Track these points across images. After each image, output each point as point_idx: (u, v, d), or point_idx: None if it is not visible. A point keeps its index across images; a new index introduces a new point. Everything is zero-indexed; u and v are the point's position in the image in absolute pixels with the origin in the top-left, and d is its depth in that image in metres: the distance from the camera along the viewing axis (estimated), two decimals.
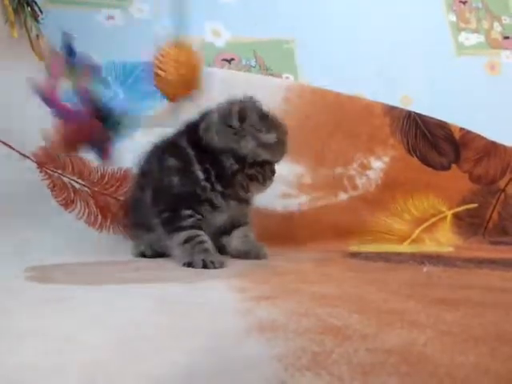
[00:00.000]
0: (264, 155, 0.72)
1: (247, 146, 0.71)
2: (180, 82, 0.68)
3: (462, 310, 0.33)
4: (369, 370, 0.21)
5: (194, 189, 0.72)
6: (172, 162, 0.74)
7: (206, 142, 0.72)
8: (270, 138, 0.72)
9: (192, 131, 0.75)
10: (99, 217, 0.94)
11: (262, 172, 0.73)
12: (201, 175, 0.72)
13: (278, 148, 0.74)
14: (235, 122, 0.70)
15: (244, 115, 0.70)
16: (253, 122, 0.71)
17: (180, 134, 0.77)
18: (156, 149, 0.81)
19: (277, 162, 0.76)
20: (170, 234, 0.70)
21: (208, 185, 0.73)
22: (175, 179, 0.72)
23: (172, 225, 0.71)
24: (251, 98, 0.74)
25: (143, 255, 0.81)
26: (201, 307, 0.35)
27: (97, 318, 0.32)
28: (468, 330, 0.28)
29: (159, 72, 0.65)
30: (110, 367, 0.22)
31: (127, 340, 0.26)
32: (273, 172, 0.76)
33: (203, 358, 0.23)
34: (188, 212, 0.71)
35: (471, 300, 0.37)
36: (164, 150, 0.78)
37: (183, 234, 0.69)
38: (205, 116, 0.75)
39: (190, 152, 0.74)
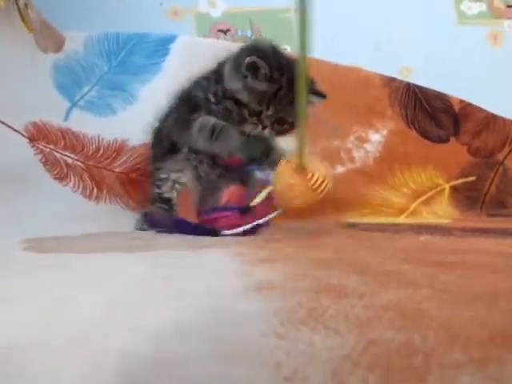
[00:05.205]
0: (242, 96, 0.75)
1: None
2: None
3: (457, 272, 0.33)
4: (365, 323, 0.21)
5: None
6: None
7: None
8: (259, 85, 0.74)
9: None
10: (95, 189, 0.93)
11: (238, 111, 0.76)
12: None
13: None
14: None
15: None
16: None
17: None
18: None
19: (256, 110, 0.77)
20: None
21: None
22: None
23: None
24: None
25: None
26: (197, 270, 0.35)
27: (90, 282, 0.32)
28: (464, 289, 0.28)
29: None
30: (103, 323, 0.22)
31: (121, 300, 0.26)
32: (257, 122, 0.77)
33: (199, 314, 0.23)
34: None
35: (467, 263, 0.37)
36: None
37: None
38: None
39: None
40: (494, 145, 1.24)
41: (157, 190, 0.83)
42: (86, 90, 1.03)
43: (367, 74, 1.17)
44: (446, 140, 1.22)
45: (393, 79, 1.19)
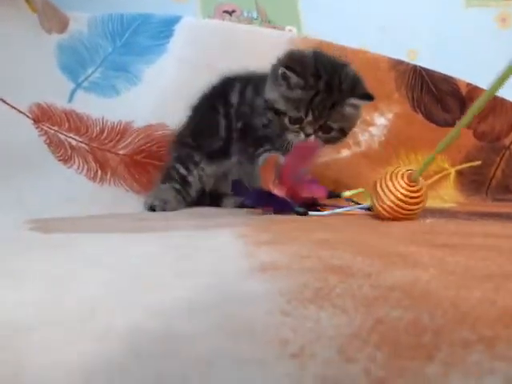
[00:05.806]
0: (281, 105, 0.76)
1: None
2: None
3: (465, 254, 0.33)
4: (372, 302, 0.21)
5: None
6: (260, 101, 0.80)
7: None
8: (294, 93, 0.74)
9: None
10: (99, 171, 0.93)
11: (278, 121, 0.77)
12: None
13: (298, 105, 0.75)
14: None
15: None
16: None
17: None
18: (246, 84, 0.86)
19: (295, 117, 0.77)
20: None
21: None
22: (263, 119, 0.79)
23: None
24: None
25: (153, 210, 0.80)
26: (203, 251, 0.35)
27: (98, 260, 0.32)
28: (472, 271, 0.28)
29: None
30: (110, 301, 0.22)
31: (129, 278, 0.26)
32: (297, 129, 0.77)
33: (205, 293, 0.23)
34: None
35: (474, 245, 0.37)
36: (254, 88, 0.83)
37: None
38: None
39: None
40: (501, 129, 1.23)
41: (182, 171, 0.86)
42: (90, 71, 1.02)
43: (374, 56, 1.16)
44: (451, 124, 1.21)
45: (400, 62, 1.17)
